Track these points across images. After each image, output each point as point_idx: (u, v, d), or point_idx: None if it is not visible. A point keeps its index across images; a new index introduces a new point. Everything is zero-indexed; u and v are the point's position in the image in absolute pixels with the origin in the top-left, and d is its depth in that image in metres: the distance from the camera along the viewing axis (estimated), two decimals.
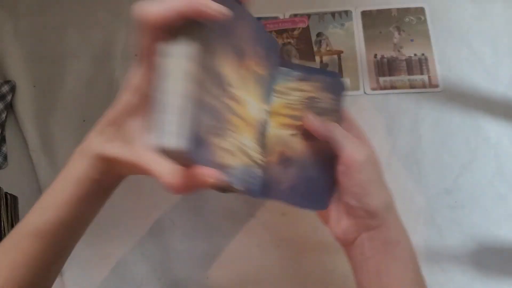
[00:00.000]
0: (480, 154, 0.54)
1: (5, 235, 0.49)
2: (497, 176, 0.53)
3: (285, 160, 0.37)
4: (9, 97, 0.60)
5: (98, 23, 0.65)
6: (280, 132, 0.38)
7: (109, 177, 0.34)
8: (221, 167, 0.29)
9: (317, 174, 0.37)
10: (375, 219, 0.35)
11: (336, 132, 0.36)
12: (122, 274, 0.52)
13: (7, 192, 0.53)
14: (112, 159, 0.32)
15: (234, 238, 0.53)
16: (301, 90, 0.39)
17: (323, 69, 0.42)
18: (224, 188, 0.32)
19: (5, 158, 0.58)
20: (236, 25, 0.31)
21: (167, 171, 0.28)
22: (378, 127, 0.56)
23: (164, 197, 0.55)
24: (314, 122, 0.37)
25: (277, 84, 0.39)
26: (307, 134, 0.37)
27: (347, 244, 0.37)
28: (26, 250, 0.33)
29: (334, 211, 0.37)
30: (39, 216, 0.34)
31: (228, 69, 0.31)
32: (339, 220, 0.37)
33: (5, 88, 0.60)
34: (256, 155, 0.35)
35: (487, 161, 0.54)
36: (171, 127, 0.26)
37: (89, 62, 0.63)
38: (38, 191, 0.56)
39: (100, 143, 0.32)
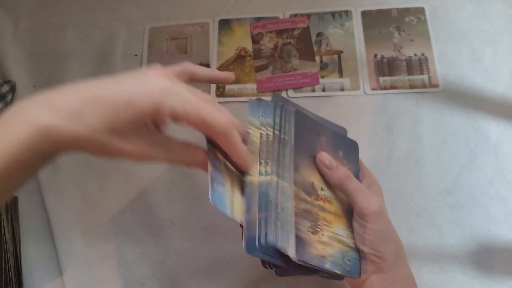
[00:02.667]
0: (480, 154, 0.54)
1: (5, 235, 0.49)
2: (497, 176, 0.53)
3: None
4: (9, 97, 0.60)
5: (97, 23, 0.65)
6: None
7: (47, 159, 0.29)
8: (322, 257, 0.35)
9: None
10: (386, 263, 0.37)
11: (350, 184, 0.38)
12: (122, 274, 0.52)
13: None
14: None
15: (234, 238, 0.53)
16: None
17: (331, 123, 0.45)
18: (329, 274, 0.37)
19: None
20: (314, 138, 0.40)
21: None
22: (378, 127, 0.57)
23: (164, 197, 0.55)
24: (328, 166, 0.39)
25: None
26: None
27: (357, 285, 0.39)
28: None
29: None
30: None
31: (315, 175, 0.38)
32: None
33: (5, 88, 0.60)
34: (350, 240, 0.38)
35: (487, 161, 0.54)
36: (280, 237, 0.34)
37: (88, 62, 0.63)
38: (38, 191, 0.56)
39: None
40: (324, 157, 0.39)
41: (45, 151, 0.28)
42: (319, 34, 0.62)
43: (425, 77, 0.58)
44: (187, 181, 0.56)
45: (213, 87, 0.60)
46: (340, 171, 0.38)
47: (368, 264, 0.38)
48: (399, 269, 0.38)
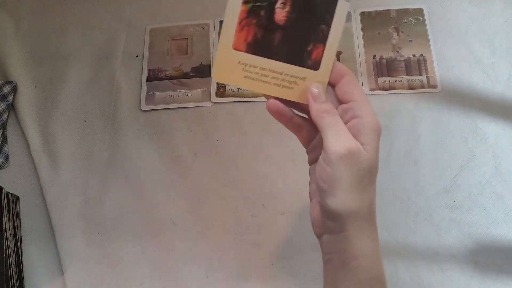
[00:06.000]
0: (478, 154, 0.54)
1: (6, 234, 0.50)
2: (495, 175, 0.53)
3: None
4: (10, 98, 0.60)
5: (98, 24, 0.66)
6: None
7: None
8: None
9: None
10: (335, 223, 0.31)
11: (325, 118, 0.32)
12: (122, 273, 0.52)
13: (8, 192, 0.53)
14: None
15: (234, 237, 0.53)
16: None
17: None
18: None
19: (6, 158, 0.58)
20: None
21: None
22: None
23: (165, 196, 0.56)
24: (315, 97, 0.33)
25: None
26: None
27: (317, 236, 0.34)
28: None
29: (314, 198, 0.34)
30: None
31: None
32: (314, 207, 0.34)
33: (7, 89, 0.60)
34: None
35: (485, 160, 0.54)
36: None
37: (89, 63, 0.63)
38: (39, 191, 0.57)
39: None
40: (315, 87, 0.33)
41: None
42: None
43: (423, 77, 0.58)
44: (187, 181, 0.56)
45: (213, 88, 0.60)
46: (323, 106, 0.32)
47: (322, 218, 0.32)
48: (352, 237, 0.31)
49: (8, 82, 0.61)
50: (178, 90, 0.61)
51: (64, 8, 0.67)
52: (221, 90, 0.60)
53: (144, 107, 0.60)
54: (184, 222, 0.54)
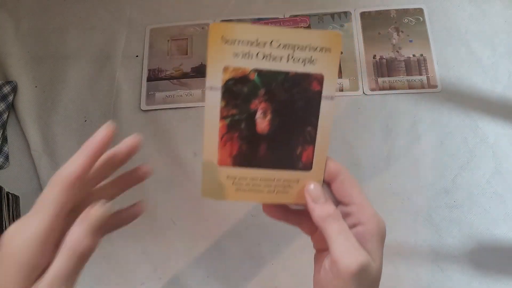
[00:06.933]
0: (478, 154, 0.54)
1: None
2: (495, 175, 0.53)
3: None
4: (10, 98, 0.60)
5: (98, 24, 0.66)
6: None
7: None
8: None
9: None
10: None
11: (332, 226, 0.29)
12: (123, 273, 0.52)
13: (8, 192, 0.53)
14: None
15: (234, 237, 0.53)
16: None
17: None
18: None
19: (6, 158, 0.58)
20: None
21: None
22: (377, 127, 0.57)
23: (165, 197, 0.56)
24: (313, 202, 0.30)
25: None
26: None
27: None
28: None
29: None
30: None
31: None
32: None
33: (7, 89, 0.60)
34: None
35: (485, 160, 0.54)
36: None
37: (90, 63, 0.63)
38: (39, 190, 0.57)
39: None
40: (311, 185, 0.31)
41: None
42: None
43: (423, 77, 0.58)
44: (187, 181, 0.56)
45: None
46: (325, 208, 0.30)
47: None
48: None
49: (8, 82, 0.61)
50: (178, 90, 0.61)
51: (64, 8, 0.67)
52: None
53: (144, 107, 0.60)
54: (184, 222, 0.54)
